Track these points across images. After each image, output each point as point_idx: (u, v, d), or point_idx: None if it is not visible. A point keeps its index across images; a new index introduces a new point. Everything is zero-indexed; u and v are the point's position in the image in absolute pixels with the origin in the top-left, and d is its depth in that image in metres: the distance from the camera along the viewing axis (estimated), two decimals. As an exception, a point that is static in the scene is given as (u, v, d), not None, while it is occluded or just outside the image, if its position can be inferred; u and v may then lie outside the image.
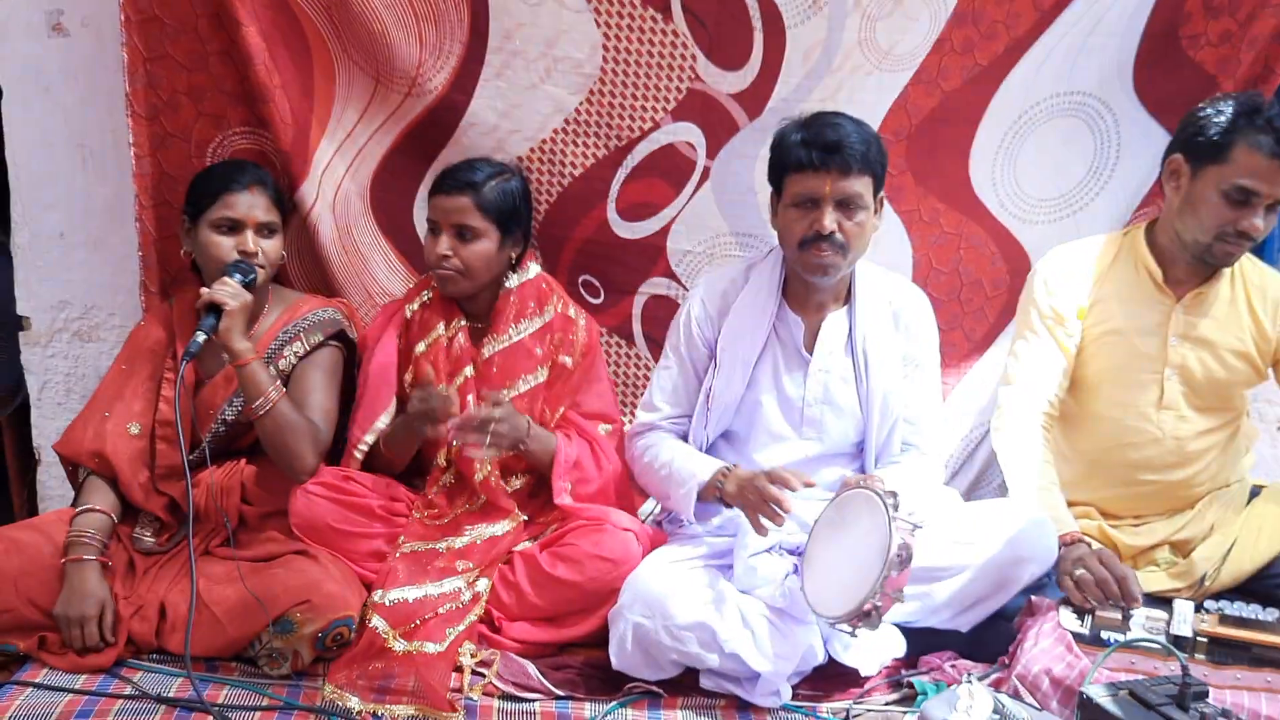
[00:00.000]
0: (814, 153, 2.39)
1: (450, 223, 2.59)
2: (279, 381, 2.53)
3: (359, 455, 2.63)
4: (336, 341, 2.69)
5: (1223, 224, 2.49)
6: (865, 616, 2.17)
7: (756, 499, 2.33)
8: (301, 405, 2.57)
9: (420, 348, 2.68)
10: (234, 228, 2.56)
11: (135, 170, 2.78)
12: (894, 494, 2.22)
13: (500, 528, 2.60)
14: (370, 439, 2.63)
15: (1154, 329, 2.63)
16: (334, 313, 2.71)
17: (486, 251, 2.61)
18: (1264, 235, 2.52)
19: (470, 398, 2.63)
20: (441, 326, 2.68)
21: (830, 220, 2.40)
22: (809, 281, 2.51)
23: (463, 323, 2.69)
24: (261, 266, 2.56)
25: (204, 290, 2.47)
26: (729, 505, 2.45)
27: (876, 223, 2.50)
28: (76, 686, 2.27)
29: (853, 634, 2.22)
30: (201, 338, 2.42)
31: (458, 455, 2.64)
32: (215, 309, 2.45)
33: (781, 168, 2.47)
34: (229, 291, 2.46)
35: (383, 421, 2.64)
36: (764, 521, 2.34)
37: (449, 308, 2.70)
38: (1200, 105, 2.55)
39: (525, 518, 2.64)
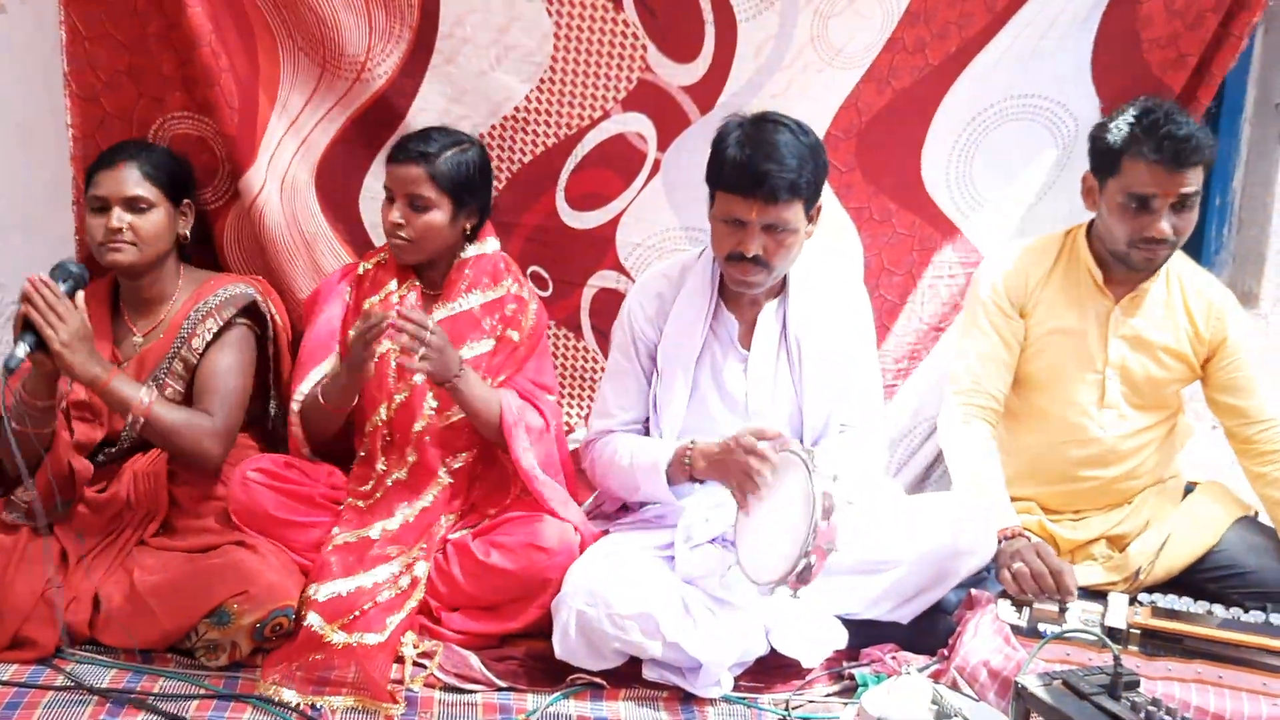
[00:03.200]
0: (742, 178, 2.36)
1: (403, 192, 2.56)
2: (144, 388, 2.44)
3: (296, 406, 2.59)
4: (247, 318, 2.63)
5: (1131, 233, 2.53)
6: (802, 574, 2.18)
7: (740, 473, 2.32)
8: (203, 391, 2.52)
9: (370, 303, 2.64)
10: (104, 207, 2.51)
11: (73, 152, 2.72)
12: (810, 451, 2.24)
13: (428, 497, 2.58)
14: (306, 388, 2.59)
15: (1095, 329, 2.67)
16: (245, 288, 2.65)
17: (438, 223, 2.58)
18: (1177, 235, 2.53)
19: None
20: (394, 284, 2.66)
21: (756, 245, 2.39)
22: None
23: (415, 283, 2.67)
24: (130, 244, 2.50)
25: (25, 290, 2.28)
26: (700, 481, 2.46)
27: (811, 229, 2.49)
28: (5, 678, 2.23)
29: (794, 596, 2.23)
30: (21, 352, 2.26)
31: (396, 412, 2.60)
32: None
33: (714, 178, 2.44)
34: (43, 313, 2.25)
35: (320, 370, 2.60)
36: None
37: (404, 269, 2.67)
38: (1101, 120, 2.60)
39: (450, 480, 2.62)
